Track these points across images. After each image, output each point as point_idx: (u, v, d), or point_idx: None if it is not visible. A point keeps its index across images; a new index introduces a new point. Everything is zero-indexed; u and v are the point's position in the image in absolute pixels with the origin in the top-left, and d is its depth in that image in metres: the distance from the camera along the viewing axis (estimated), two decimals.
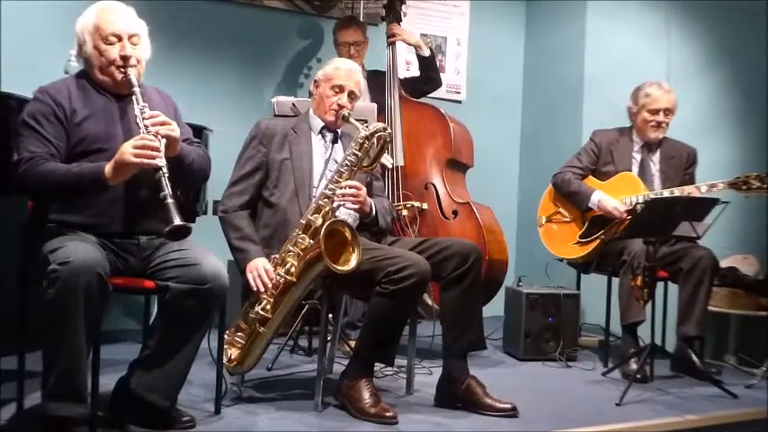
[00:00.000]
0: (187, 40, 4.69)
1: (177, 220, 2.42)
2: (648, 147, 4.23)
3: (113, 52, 2.64)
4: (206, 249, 2.70)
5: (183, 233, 2.46)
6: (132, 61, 2.65)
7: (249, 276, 3.05)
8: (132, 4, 2.77)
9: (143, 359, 2.68)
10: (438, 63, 5.35)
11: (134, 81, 2.63)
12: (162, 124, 2.58)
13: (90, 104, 2.66)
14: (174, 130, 2.62)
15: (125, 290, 2.68)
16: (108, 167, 2.50)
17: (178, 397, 2.73)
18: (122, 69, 2.64)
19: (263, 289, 3.01)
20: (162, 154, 2.51)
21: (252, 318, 3.02)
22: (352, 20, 4.70)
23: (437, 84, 4.61)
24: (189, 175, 2.79)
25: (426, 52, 4.47)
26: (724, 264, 4.36)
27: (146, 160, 2.48)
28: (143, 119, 2.57)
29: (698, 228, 3.57)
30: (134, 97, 2.61)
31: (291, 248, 3.02)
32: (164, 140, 2.55)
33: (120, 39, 2.65)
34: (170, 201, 2.44)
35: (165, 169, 2.48)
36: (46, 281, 2.33)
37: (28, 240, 2.65)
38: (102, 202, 2.60)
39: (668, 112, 4.16)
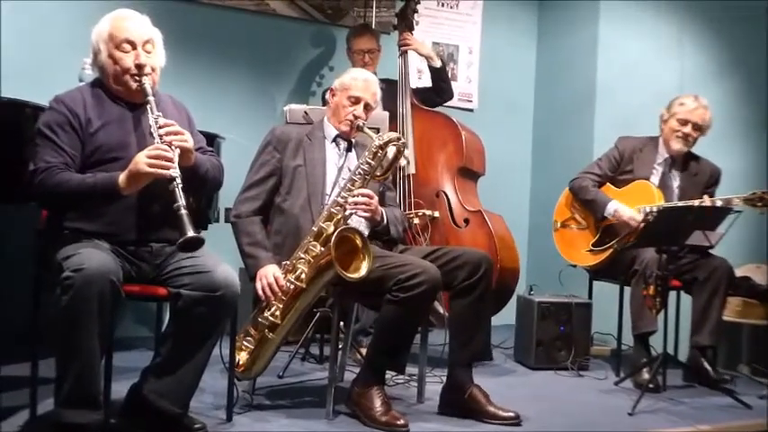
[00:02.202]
0: (199, 48, 4.71)
1: (190, 232, 2.43)
2: (673, 161, 4.15)
3: (128, 60, 2.65)
4: (218, 257, 2.71)
5: (195, 245, 2.47)
6: (147, 69, 2.66)
7: (258, 285, 3.06)
8: (146, 13, 2.78)
9: (155, 366, 2.69)
10: (450, 71, 5.36)
11: (148, 90, 2.64)
12: (176, 134, 2.59)
13: (105, 113, 2.67)
14: (188, 140, 2.63)
15: (138, 297, 2.69)
16: (122, 177, 2.51)
17: (190, 404, 2.73)
18: (137, 78, 2.65)
19: (272, 297, 3.02)
20: (176, 164, 2.52)
21: (261, 323, 3.03)
22: (366, 28, 4.72)
23: (449, 95, 4.58)
24: (202, 185, 2.82)
25: (438, 63, 4.47)
26: (737, 273, 4.32)
27: (160, 170, 2.49)
28: (157, 128, 2.58)
29: (711, 237, 3.55)
30: (148, 107, 2.63)
31: (302, 255, 3.03)
32: (177, 150, 2.56)
33: (134, 46, 2.66)
34: (183, 212, 2.45)
35: (178, 180, 2.49)
36: (59, 288, 2.34)
37: (41, 247, 2.66)
38: (116, 210, 2.61)
39: (697, 127, 4.07)
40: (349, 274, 2.90)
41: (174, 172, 2.50)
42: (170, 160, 2.51)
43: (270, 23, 4.96)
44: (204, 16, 4.75)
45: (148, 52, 2.69)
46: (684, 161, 4.17)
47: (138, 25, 2.71)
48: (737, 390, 3.70)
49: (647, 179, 4.11)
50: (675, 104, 4.15)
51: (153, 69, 2.70)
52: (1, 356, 3.30)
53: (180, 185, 2.49)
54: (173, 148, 2.55)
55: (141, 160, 2.49)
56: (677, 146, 4.10)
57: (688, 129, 4.07)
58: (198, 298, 2.58)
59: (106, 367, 2.56)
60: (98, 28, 2.70)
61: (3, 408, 2.85)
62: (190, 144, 2.64)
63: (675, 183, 4.15)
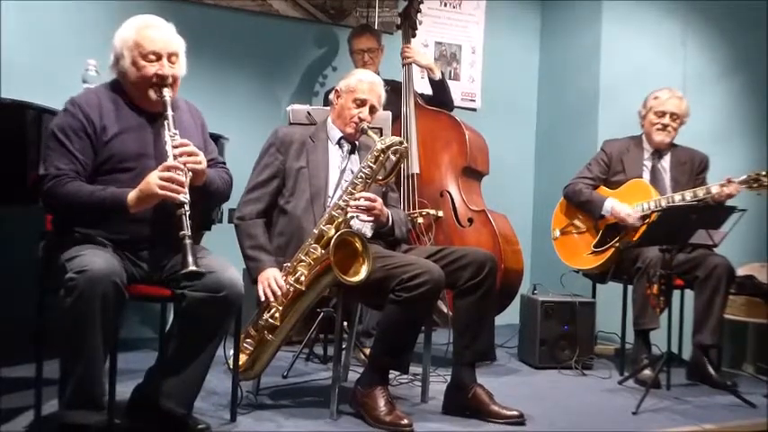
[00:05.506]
0: (202, 49, 4.69)
1: (191, 266, 2.44)
2: (659, 153, 4.23)
3: (151, 70, 2.64)
4: (221, 258, 2.71)
5: (194, 279, 2.49)
6: (168, 80, 2.65)
7: (260, 288, 3.07)
8: (148, 12, 2.77)
9: (159, 367, 2.70)
10: (453, 71, 5.36)
11: (168, 102, 2.63)
12: (190, 155, 2.59)
13: (121, 121, 2.65)
14: (202, 162, 2.63)
15: (142, 298, 2.70)
16: (131, 195, 2.51)
17: (194, 404, 2.74)
18: (157, 89, 2.64)
19: (272, 299, 3.02)
20: (186, 189, 2.52)
21: (261, 325, 3.03)
22: (366, 27, 4.73)
23: (448, 109, 4.55)
24: (210, 200, 2.84)
25: (438, 76, 4.46)
26: (741, 272, 4.33)
27: (170, 194, 2.49)
28: (173, 147, 2.57)
29: (715, 236, 3.55)
30: (166, 123, 2.61)
31: (303, 257, 3.03)
32: (190, 174, 2.56)
33: (159, 58, 2.65)
34: (188, 242, 2.46)
35: (187, 207, 2.50)
36: (63, 289, 2.35)
37: (46, 249, 2.67)
38: (123, 219, 2.59)
39: (675, 116, 4.16)
40: (348, 278, 2.90)
41: (184, 197, 2.51)
42: (182, 185, 2.51)
43: (273, 24, 4.96)
44: (207, 17, 4.75)
45: (173, 63, 2.69)
46: (671, 152, 4.23)
47: (166, 36, 2.69)
48: (742, 389, 3.70)
49: (640, 177, 4.16)
50: (650, 99, 4.24)
51: (175, 80, 2.69)
52: (6, 357, 3.31)
53: (188, 212, 2.50)
54: (185, 171, 2.55)
55: (153, 181, 2.49)
56: (659, 137, 4.18)
57: (666, 119, 4.17)
58: (202, 298, 2.58)
59: (110, 368, 2.57)
60: (123, 33, 2.67)
61: (8, 408, 2.86)
62: (203, 166, 2.64)
63: (666, 175, 4.21)
